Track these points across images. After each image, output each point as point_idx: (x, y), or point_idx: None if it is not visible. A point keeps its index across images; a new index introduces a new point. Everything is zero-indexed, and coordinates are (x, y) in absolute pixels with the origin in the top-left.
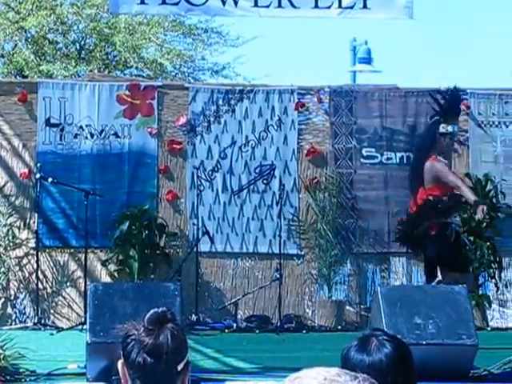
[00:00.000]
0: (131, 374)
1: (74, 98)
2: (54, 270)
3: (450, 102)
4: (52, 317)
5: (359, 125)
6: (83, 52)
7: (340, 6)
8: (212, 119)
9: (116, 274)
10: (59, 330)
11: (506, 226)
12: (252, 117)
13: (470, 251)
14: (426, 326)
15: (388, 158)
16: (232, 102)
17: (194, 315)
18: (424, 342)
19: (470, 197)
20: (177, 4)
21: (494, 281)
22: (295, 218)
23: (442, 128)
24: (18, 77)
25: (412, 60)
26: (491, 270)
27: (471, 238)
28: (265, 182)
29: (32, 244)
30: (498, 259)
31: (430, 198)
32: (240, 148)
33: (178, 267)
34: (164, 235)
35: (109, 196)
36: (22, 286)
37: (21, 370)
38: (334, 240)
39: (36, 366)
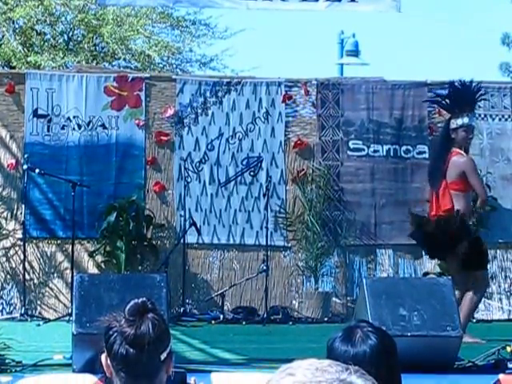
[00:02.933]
0: (115, 365)
1: (61, 89)
2: (41, 261)
3: (452, 96)
4: (39, 308)
5: (346, 117)
6: (71, 43)
7: None
8: (199, 111)
9: (103, 265)
10: (46, 320)
11: (491, 219)
12: (239, 109)
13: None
14: (410, 317)
15: (375, 151)
16: (219, 93)
17: (180, 306)
18: (409, 334)
19: (482, 196)
20: None
21: None
22: (282, 210)
23: (452, 124)
24: (5, 68)
25: (399, 53)
26: None
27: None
28: (252, 173)
29: (19, 235)
30: None
31: (455, 214)
32: (227, 140)
33: (165, 259)
34: (151, 226)
35: (96, 187)
36: (8, 276)
37: (7, 361)
38: (321, 232)
39: (22, 356)
